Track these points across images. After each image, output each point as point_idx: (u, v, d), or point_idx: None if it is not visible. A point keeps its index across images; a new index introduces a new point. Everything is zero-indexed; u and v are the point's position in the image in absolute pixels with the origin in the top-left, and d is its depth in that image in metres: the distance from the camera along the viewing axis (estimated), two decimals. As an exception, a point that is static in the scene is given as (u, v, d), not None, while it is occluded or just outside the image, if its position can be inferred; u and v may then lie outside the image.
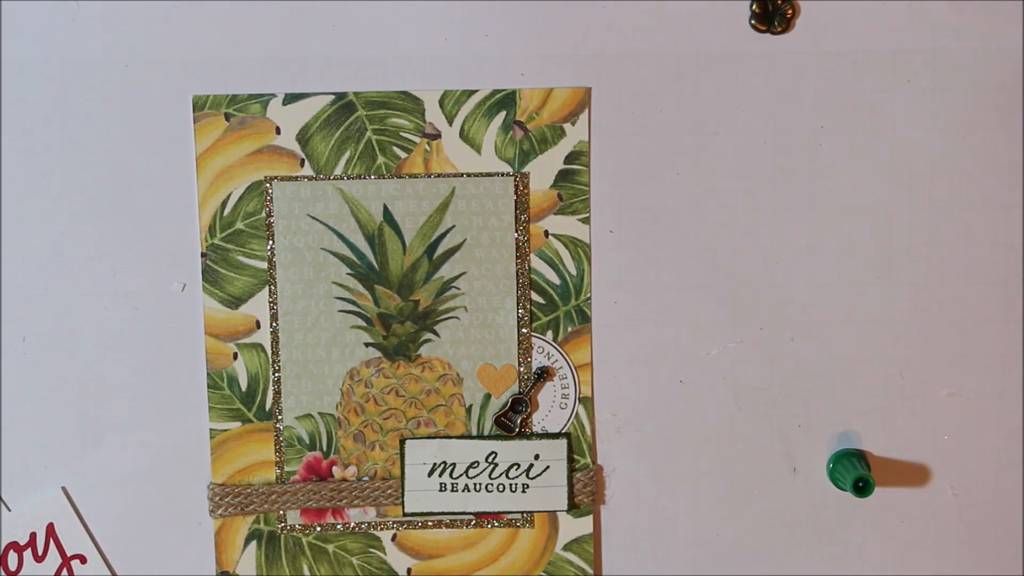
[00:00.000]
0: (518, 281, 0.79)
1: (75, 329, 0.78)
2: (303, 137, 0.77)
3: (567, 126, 0.77)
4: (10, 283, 0.78)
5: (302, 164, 0.77)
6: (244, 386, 0.79)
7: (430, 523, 0.81)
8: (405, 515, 0.80)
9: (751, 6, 0.76)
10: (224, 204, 0.78)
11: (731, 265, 0.79)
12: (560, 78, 0.77)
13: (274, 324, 0.79)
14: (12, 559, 0.79)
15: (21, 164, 0.77)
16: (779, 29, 0.76)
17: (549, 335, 0.79)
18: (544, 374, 0.80)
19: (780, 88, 0.77)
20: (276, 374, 0.79)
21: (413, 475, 0.80)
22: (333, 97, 0.77)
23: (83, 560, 0.80)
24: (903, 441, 0.81)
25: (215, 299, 0.78)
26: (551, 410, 0.80)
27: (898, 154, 0.78)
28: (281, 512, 0.80)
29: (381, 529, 0.81)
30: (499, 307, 0.79)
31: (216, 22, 0.76)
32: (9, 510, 0.79)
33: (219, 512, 0.80)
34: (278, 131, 0.77)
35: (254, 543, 0.81)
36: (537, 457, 0.80)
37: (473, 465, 0.80)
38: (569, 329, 0.79)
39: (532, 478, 0.80)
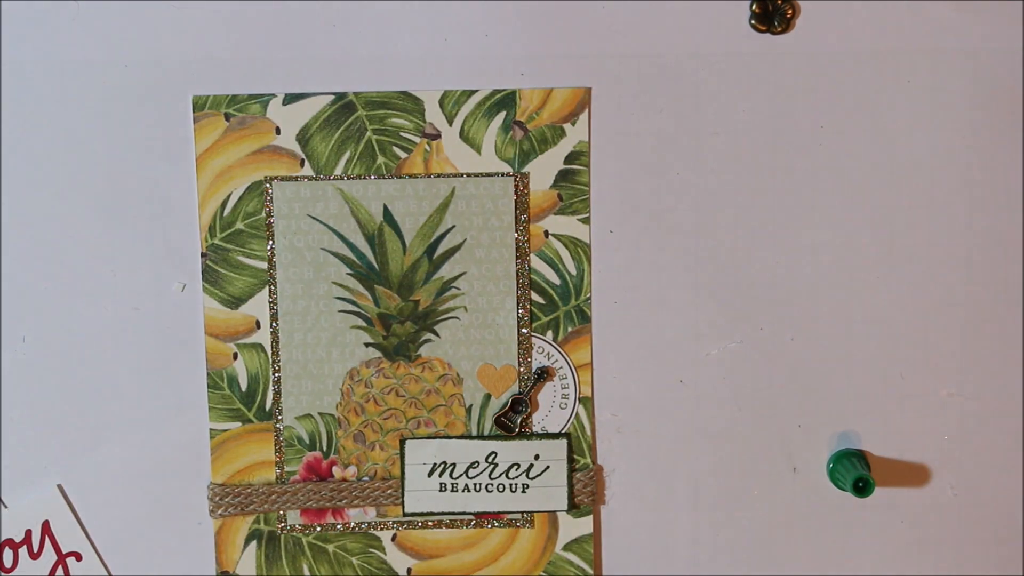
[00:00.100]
0: (518, 281, 0.79)
1: (75, 329, 0.78)
2: (303, 137, 0.77)
3: (567, 126, 0.77)
4: (10, 283, 0.78)
5: (302, 164, 0.77)
6: (244, 386, 0.79)
7: (430, 523, 0.81)
8: (405, 515, 0.80)
9: (751, 6, 0.76)
10: (224, 204, 0.78)
11: (731, 265, 0.79)
12: (560, 78, 0.77)
13: (274, 324, 0.79)
14: (7, 556, 0.79)
15: (21, 164, 0.77)
16: (779, 29, 0.76)
17: (549, 335, 0.79)
18: (544, 374, 0.80)
19: (780, 88, 0.77)
20: (276, 374, 0.79)
21: (413, 475, 0.80)
22: (333, 97, 0.77)
23: (78, 557, 0.80)
24: (903, 441, 0.81)
25: (215, 299, 0.78)
26: (551, 410, 0.80)
27: (898, 154, 0.78)
28: (281, 512, 0.80)
29: (381, 529, 0.81)
30: (499, 307, 0.79)
31: (216, 22, 0.76)
32: (6, 507, 0.79)
33: (219, 512, 0.80)
34: (278, 131, 0.77)
35: (254, 543, 0.81)
36: (537, 457, 0.80)
37: (473, 465, 0.80)
38: (569, 329, 0.79)
39: (532, 478, 0.80)
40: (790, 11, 0.76)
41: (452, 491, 0.80)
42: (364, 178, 0.78)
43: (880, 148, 0.78)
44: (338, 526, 0.81)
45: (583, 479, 0.80)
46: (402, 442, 0.80)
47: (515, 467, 0.80)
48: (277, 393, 0.79)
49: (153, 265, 0.78)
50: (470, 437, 0.80)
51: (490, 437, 0.80)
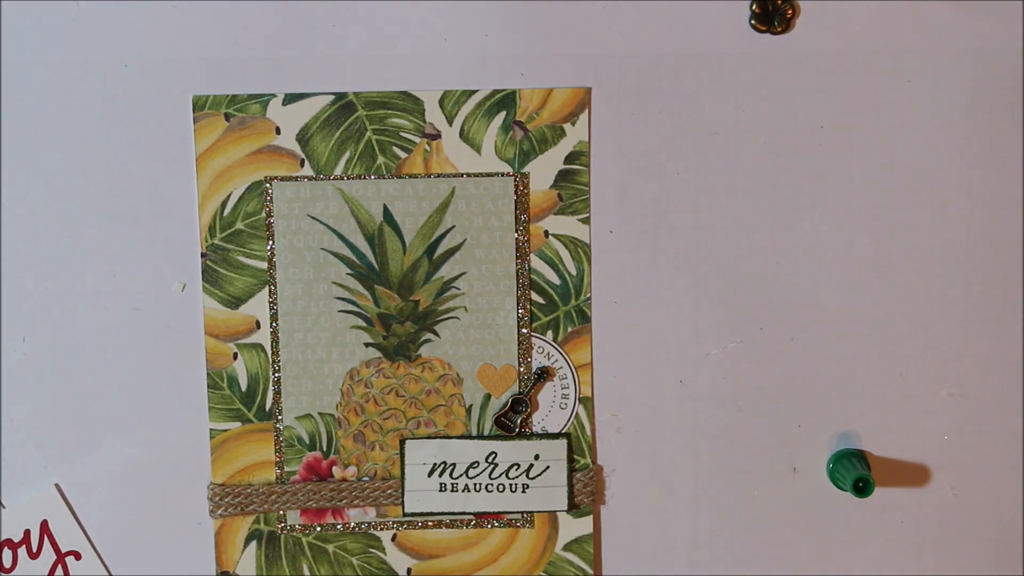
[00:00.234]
0: (518, 281, 0.79)
1: (75, 329, 0.78)
2: (303, 137, 0.77)
3: (567, 126, 0.77)
4: (10, 283, 0.78)
5: (302, 164, 0.77)
6: (244, 386, 0.79)
7: (430, 523, 0.81)
8: (405, 515, 0.80)
9: (751, 6, 0.76)
10: (224, 204, 0.78)
11: (731, 265, 0.79)
12: (560, 78, 0.77)
13: (274, 324, 0.79)
14: (7, 556, 0.79)
15: (21, 164, 0.77)
16: (779, 29, 0.76)
17: (549, 335, 0.79)
18: (544, 374, 0.80)
19: (780, 88, 0.77)
20: (276, 374, 0.79)
21: (413, 475, 0.80)
22: (333, 97, 0.77)
23: (77, 556, 0.80)
24: (903, 441, 0.81)
25: (215, 299, 0.78)
26: (551, 410, 0.80)
27: (898, 154, 0.78)
28: (281, 512, 0.80)
29: (381, 529, 0.81)
30: (499, 307, 0.79)
31: (216, 22, 0.76)
32: (5, 507, 0.79)
33: (219, 512, 0.80)
34: (278, 131, 0.77)
35: (254, 543, 0.81)
36: (537, 457, 0.80)
37: (473, 465, 0.80)
38: (569, 329, 0.79)
39: (532, 478, 0.80)
40: (790, 11, 0.76)
41: (452, 491, 0.80)
42: (364, 178, 0.78)
43: (880, 148, 0.78)
44: (338, 526, 0.81)
45: (583, 479, 0.80)
46: (402, 442, 0.80)
47: (515, 467, 0.80)
48: (277, 393, 0.79)
49: (153, 265, 0.78)
50: (470, 437, 0.80)
51: (490, 437, 0.80)
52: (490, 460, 0.80)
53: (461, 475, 0.80)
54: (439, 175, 0.78)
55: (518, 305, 0.79)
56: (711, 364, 0.80)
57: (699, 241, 0.78)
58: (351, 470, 0.80)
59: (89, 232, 0.77)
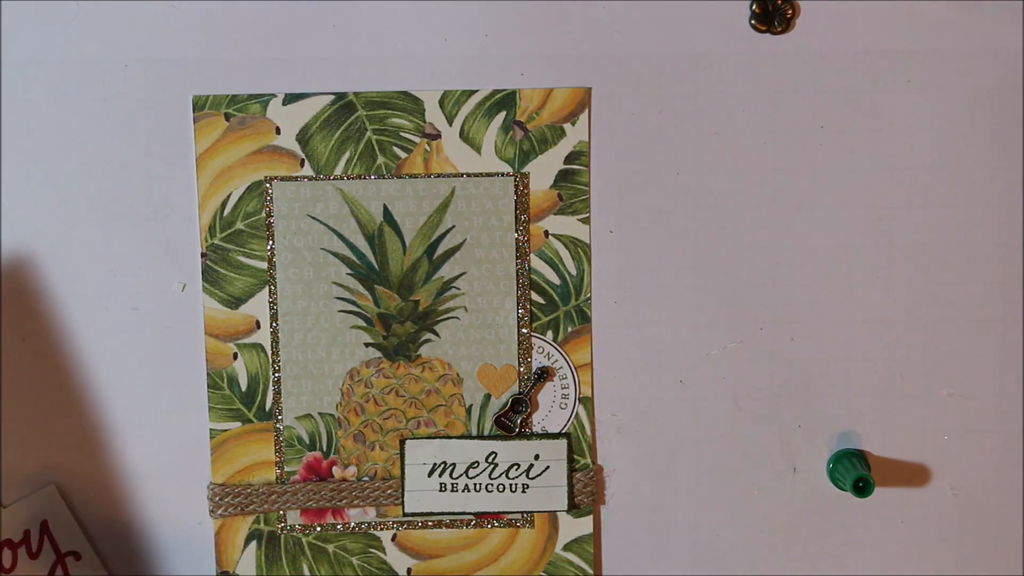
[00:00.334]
0: (518, 281, 0.79)
1: (75, 329, 0.78)
2: (303, 137, 0.77)
3: (567, 126, 0.77)
4: (10, 283, 0.78)
5: (302, 164, 0.77)
6: (244, 386, 0.79)
7: (430, 523, 0.81)
8: (405, 515, 0.80)
9: (751, 6, 0.76)
10: (224, 204, 0.78)
11: (731, 265, 0.79)
12: (560, 78, 0.77)
13: (274, 324, 0.79)
14: (6, 556, 0.79)
15: (21, 164, 0.77)
16: (779, 29, 0.76)
17: (549, 335, 0.79)
18: (544, 374, 0.80)
19: (780, 88, 0.77)
20: (276, 374, 0.79)
21: (413, 475, 0.80)
22: (333, 97, 0.77)
23: (77, 557, 0.80)
24: (903, 441, 0.81)
25: (215, 299, 0.78)
26: (551, 410, 0.80)
27: (898, 154, 0.78)
28: (281, 512, 0.80)
29: (381, 529, 0.81)
30: (499, 307, 0.79)
31: (216, 22, 0.76)
32: (4, 507, 0.79)
33: (219, 512, 0.80)
34: (278, 131, 0.77)
35: (254, 543, 0.81)
36: (537, 457, 0.80)
37: (473, 465, 0.80)
38: (569, 329, 0.79)
39: (532, 478, 0.80)
40: (790, 11, 0.76)
41: (452, 491, 0.80)
42: (364, 178, 0.78)
43: (880, 148, 0.78)
44: (338, 526, 0.81)
45: (583, 479, 0.80)
46: (402, 442, 0.80)
47: (515, 467, 0.80)
48: (277, 393, 0.79)
49: (153, 265, 0.78)
50: (470, 437, 0.80)
51: (490, 437, 0.80)
52: (490, 460, 0.80)
53: (461, 475, 0.80)
54: (439, 175, 0.78)
55: (518, 305, 0.79)
56: (711, 364, 0.80)
57: (699, 241, 0.78)
58: (351, 470, 0.80)
59: (89, 232, 0.77)
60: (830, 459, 0.80)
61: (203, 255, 0.78)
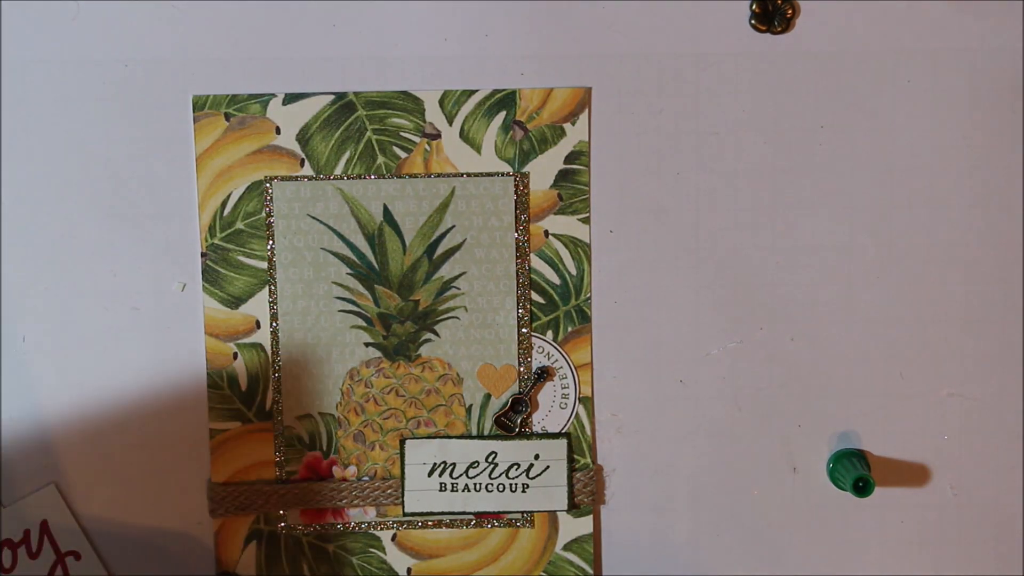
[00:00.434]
0: (518, 281, 0.79)
1: (75, 329, 0.78)
2: (303, 137, 0.77)
3: (567, 126, 0.77)
4: (10, 283, 0.78)
5: (302, 164, 0.77)
6: (244, 386, 0.79)
7: (430, 523, 0.81)
8: (405, 515, 0.80)
9: (751, 6, 0.76)
10: (224, 204, 0.78)
11: (731, 265, 0.79)
12: (560, 78, 0.77)
13: (274, 324, 0.79)
14: (6, 556, 0.79)
15: (21, 164, 0.77)
16: (779, 29, 0.76)
17: (549, 335, 0.79)
18: (544, 374, 0.80)
19: (780, 88, 0.77)
20: (276, 374, 0.79)
21: (413, 475, 0.80)
22: (333, 97, 0.77)
23: (77, 557, 0.80)
24: (903, 441, 0.81)
25: (215, 299, 0.78)
26: (551, 410, 0.80)
27: (898, 154, 0.78)
28: (281, 512, 0.80)
29: (381, 529, 0.81)
30: (499, 307, 0.79)
31: (216, 22, 0.76)
32: (4, 507, 0.79)
33: (219, 512, 0.80)
34: (278, 131, 0.77)
35: (254, 543, 0.81)
36: (537, 457, 0.80)
37: (473, 465, 0.80)
38: (569, 329, 0.79)
39: (532, 478, 0.80)
40: (790, 11, 0.76)
41: (452, 491, 0.80)
42: (364, 178, 0.78)
43: (880, 148, 0.78)
44: (338, 526, 0.81)
45: (583, 479, 0.80)
46: (402, 442, 0.80)
47: (515, 467, 0.80)
48: (277, 393, 0.79)
49: (153, 265, 0.78)
50: (470, 437, 0.80)
51: (490, 437, 0.80)
52: (490, 460, 0.80)
53: (461, 475, 0.80)
54: (439, 175, 0.78)
55: (518, 305, 0.79)
56: (711, 364, 0.80)
57: (699, 241, 0.78)
58: (351, 470, 0.80)
59: (89, 232, 0.77)
60: (830, 459, 0.80)
61: (203, 255, 0.78)
